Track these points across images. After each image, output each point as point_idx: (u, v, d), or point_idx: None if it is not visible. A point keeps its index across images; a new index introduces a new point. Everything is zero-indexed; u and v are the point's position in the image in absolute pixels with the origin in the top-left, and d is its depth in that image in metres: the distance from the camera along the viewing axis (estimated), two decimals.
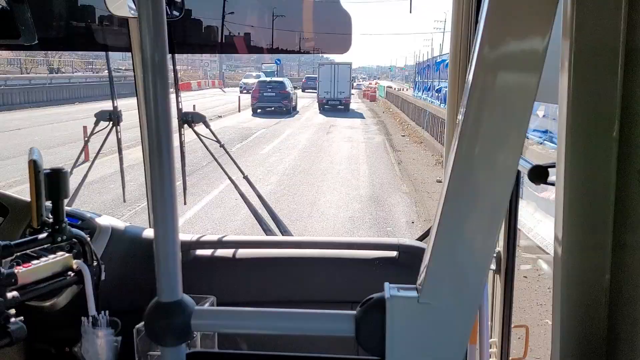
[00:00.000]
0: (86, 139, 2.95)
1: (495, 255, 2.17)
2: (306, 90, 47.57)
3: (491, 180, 0.79)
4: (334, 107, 33.82)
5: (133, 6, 2.02)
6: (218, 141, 2.81)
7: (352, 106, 36.08)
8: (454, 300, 0.81)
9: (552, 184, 1.04)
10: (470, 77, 0.79)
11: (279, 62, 56.84)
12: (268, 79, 34.88)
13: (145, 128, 2.84)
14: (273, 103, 31.33)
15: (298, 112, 33.81)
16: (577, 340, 0.98)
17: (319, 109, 34.23)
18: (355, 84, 70.38)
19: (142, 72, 0.76)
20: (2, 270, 1.42)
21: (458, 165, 0.79)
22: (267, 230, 2.64)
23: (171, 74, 2.58)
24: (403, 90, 51.61)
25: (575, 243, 0.94)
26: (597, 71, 0.90)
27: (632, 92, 0.88)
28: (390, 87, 50.00)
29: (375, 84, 71.53)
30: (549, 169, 1.26)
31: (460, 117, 0.81)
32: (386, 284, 0.85)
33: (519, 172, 1.75)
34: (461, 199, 0.80)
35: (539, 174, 1.27)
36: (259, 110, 31.10)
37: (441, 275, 0.81)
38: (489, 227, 0.80)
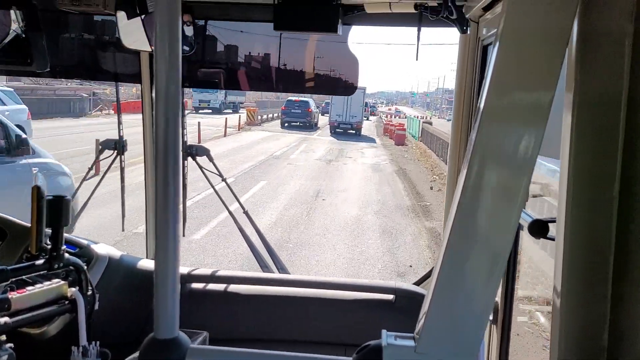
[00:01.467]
0: (89, 166, 2.97)
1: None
2: (325, 114, 47.84)
3: (493, 232, 0.80)
4: (345, 130, 33.86)
5: (146, 40, 2.07)
6: (220, 175, 2.82)
7: (366, 159, 22.59)
8: (452, 351, 0.80)
9: (552, 239, 1.03)
10: (475, 130, 0.80)
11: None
12: (295, 98, 36.78)
13: (151, 159, 2.86)
14: (299, 118, 36.65)
15: (319, 128, 36.89)
16: None
17: (330, 132, 34.38)
18: (377, 111, 65.37)
19: (156, 103, 0.78)
20: None
21: (460, 215, 0.79)
22: (264, 267, 2.62)
23: None
24: (427, 118, 43.50)
25: (574, 298, 0.94)
26: (599, 127, 0.91)
27: (633, 150, 0.89)
28: (429, 124, 29.54)
29: (396, 110, 60.07)
30: (549, 224, 1.25)
31: (464, 166, 0.82)
32: (383, 332, 0.85)
33: (518, 225, 1.74)
34: (462, 251, 0.80)
35: (539, 228, 1.27)
36: (286, 125, 36.22)
37: (440, 325, 0.81)
38: (489, 279, 0.80)
